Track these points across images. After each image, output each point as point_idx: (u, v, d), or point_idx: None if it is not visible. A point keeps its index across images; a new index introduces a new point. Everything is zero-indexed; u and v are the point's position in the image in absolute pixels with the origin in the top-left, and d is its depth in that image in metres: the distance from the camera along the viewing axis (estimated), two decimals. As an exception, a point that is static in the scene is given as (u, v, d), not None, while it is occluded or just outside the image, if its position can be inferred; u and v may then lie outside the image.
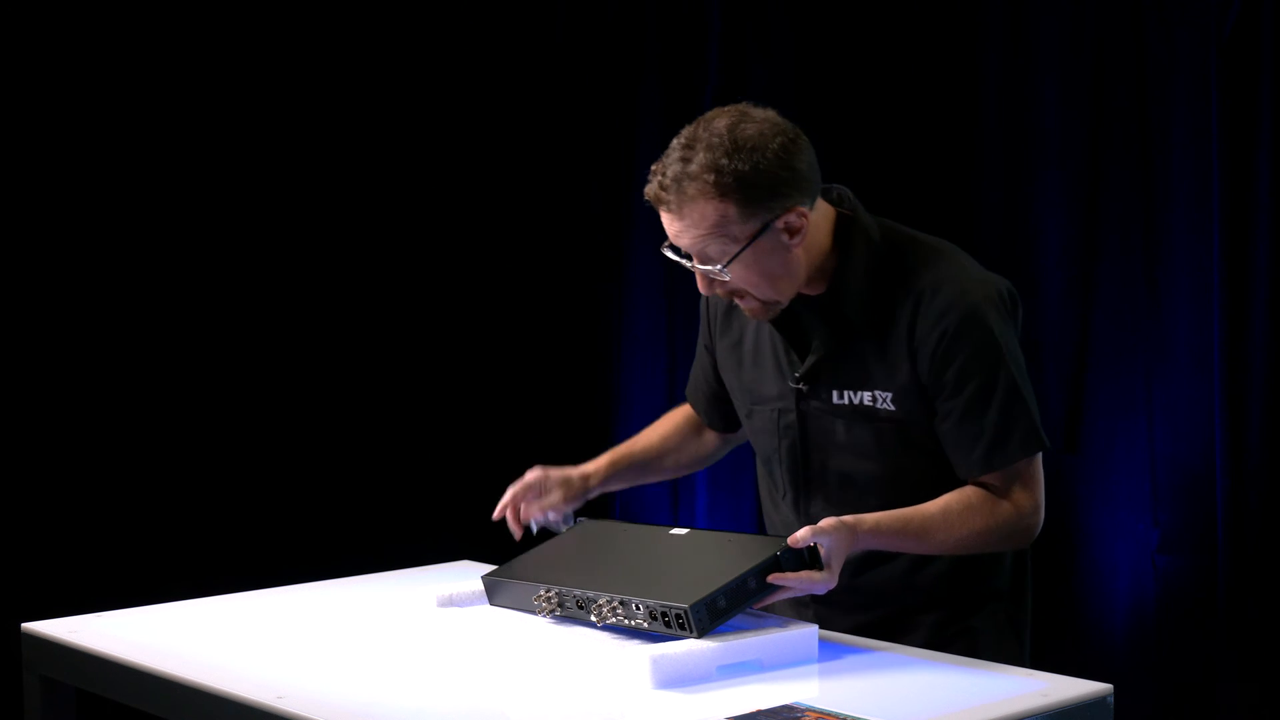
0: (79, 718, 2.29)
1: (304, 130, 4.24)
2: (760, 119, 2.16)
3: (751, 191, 2.12)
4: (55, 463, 3.87)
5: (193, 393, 4.08)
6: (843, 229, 2.26)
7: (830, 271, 2.25)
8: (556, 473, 2.46)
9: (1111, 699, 1.87)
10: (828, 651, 2.06)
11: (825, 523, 2.06)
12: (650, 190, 2.17)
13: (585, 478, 2.48)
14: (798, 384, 2.30)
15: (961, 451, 2.22)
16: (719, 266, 2.16)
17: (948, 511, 2.19)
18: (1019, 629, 2.37)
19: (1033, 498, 2.24)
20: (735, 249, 2.15)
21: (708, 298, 2.44)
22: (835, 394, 2.27)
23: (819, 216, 2.23)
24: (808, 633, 2.04)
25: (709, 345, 2.51)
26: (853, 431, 2.27)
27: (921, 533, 2.17)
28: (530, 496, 2.45)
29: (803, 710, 1.76)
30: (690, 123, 2.18)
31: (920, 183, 3.74)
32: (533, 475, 2.45)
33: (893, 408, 2.23)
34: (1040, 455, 2.25)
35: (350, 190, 4.34)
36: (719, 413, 2.57)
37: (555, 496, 2.45)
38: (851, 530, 2.09)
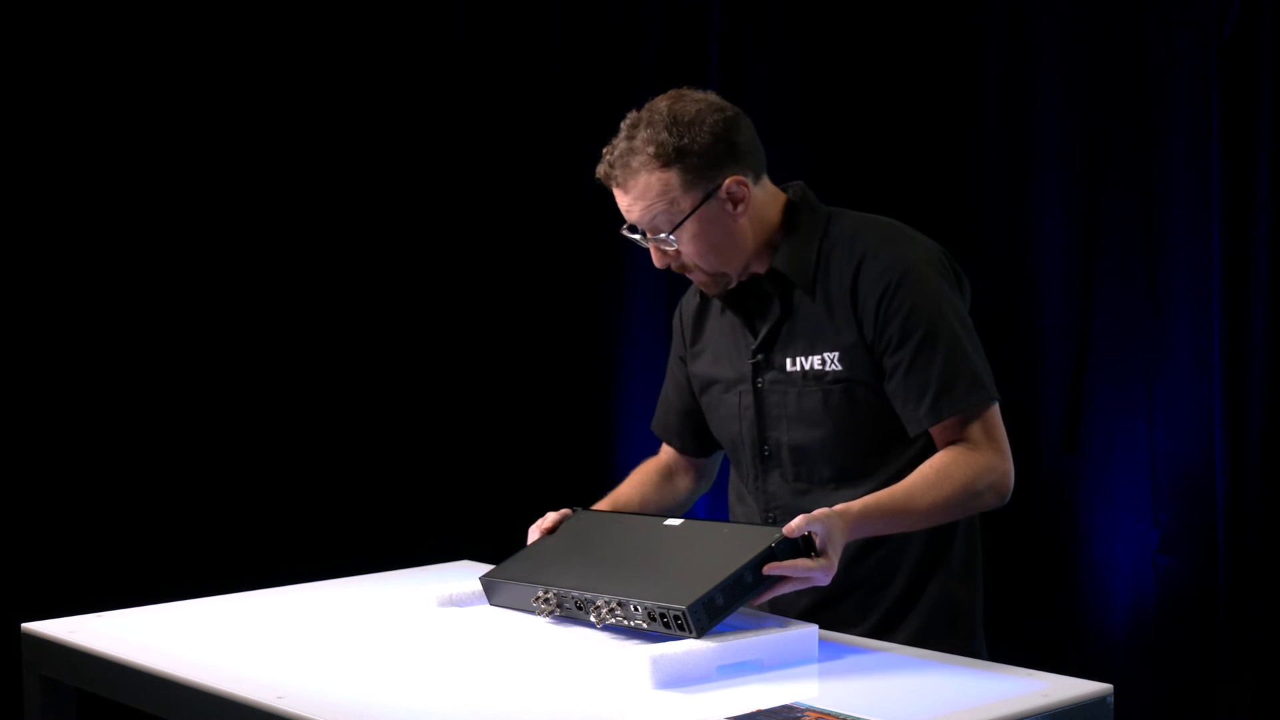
0: (79, 718, 2.29)
1: (305, 131, 4.24)
2: (699, 99, 2.33)
3: (691, 160, 2.27)
4: (55, 462, 3.87)
5: (193, 393, 4.08)
6: (791, 209, 2.40)
7: (778, 246, 2.38)
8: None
9: (1111, 699, 1.87)
10: (828, 651, 2.06)
11: (817, 512, 2.09)
12: (600, 169, 2.34)
13: None
14: (754, 356, 2.39)
15: (910, 404, 2.27)
16: (666, 235, 2.30)
17: (925, 476, 2.23)
18: (970, 610, 2.40)
19: (999, 446, 2.27)
20: (680, 218, 2.29)
21: (679, 311, 2.60)
22: (789, 361, 2.36)
23: (767, 196, 2.37)
24: (808, 633, 2.04)
25: (683, 355, 2.57)
26: (803, 399, 2.35)
27: (908, 501, 2.20)
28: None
29: (803, 710, 1.76)
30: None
31: (920, 183, 3.74)
32: (556, 515, 2.44)
33: (840, 367, 2.31)
34: (996, 408, 2.29)
35: (351, 192, 4.34)
36: (690, 432, 2.61)
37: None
38: (841, 517, 2.10)
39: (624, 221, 2.35)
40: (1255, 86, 3.26)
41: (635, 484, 2.64)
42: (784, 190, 2.41)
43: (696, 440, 2.61)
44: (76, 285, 3.91)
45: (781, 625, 2.07)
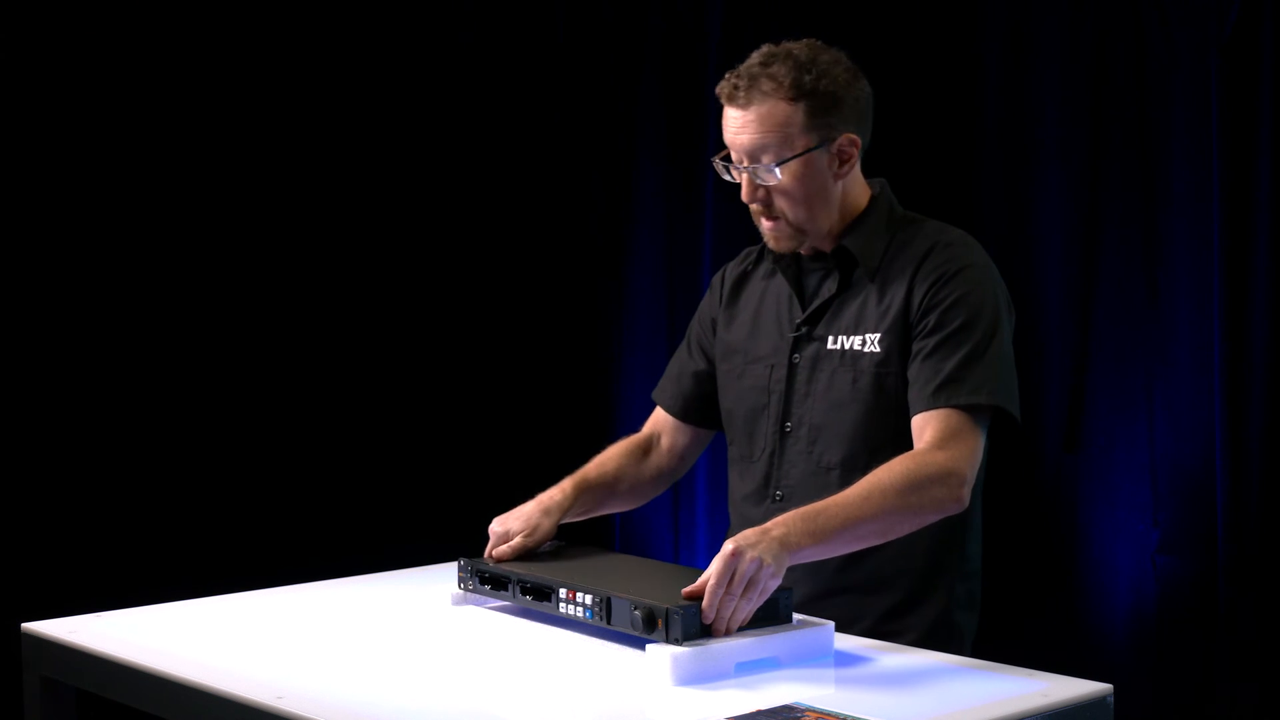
0: (79, 718, 2.29)
1: (304, 128, 4.24)
2: (837, 54, 2.39)
3: (818, 103, 2.32)
4: (55, 462, 3.87)
5: (193, 393, 4.08)
6: (873, 201, 2.44)
7: (850, 227, 2.41)
8: (517, 521, 2.40)
9: (1111, 699, 1.87)
10: (837, 651, 2.07)
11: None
12: (723, 87, 2.34)
13: (547, 511, 2.42)
14: (799, 329, 2.40)
15: (917, 385, 2.27)
16: (770, 165, 2.31)
17: (860, 481, 2.17)
18: (965, 637, 2.39)
19: (964, 461, 2.20)
20: (789, 155, 2.31)
21: (722, 272, 2.59)
22: (830, 339, 2.38)
23: (860, 178, 2.42)
24: (824, 630, 2.06)
25: (715, 317, 2.57)
26: (835, 378, 2.36)
27: (831, 501, 2.13)
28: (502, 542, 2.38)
29: (802, 710, 1.76)
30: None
31: (920, 183, 3.73)
32: (495, 529, 2.39)
33: (878, 350, 2.32)
34: (984, 433, 2.25)
35: (351, 189, 4.34)
36: (699, 397, 2.60)
37: (531, 538, 2.38)
38: (759, 529, 2.07)
39: (717, 152, 2.37)
40: (1255, 86, 3.26)
41: (610, 456, 2.59)
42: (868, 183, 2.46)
43: (701, 408, 2.60)
44: (76, 285, 3.91)
45: (798, 623, 2.07)
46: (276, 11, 4.19)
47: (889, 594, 2.33)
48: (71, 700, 2.26)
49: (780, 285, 2.47)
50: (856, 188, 2.42)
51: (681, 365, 2.63)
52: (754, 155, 2.33)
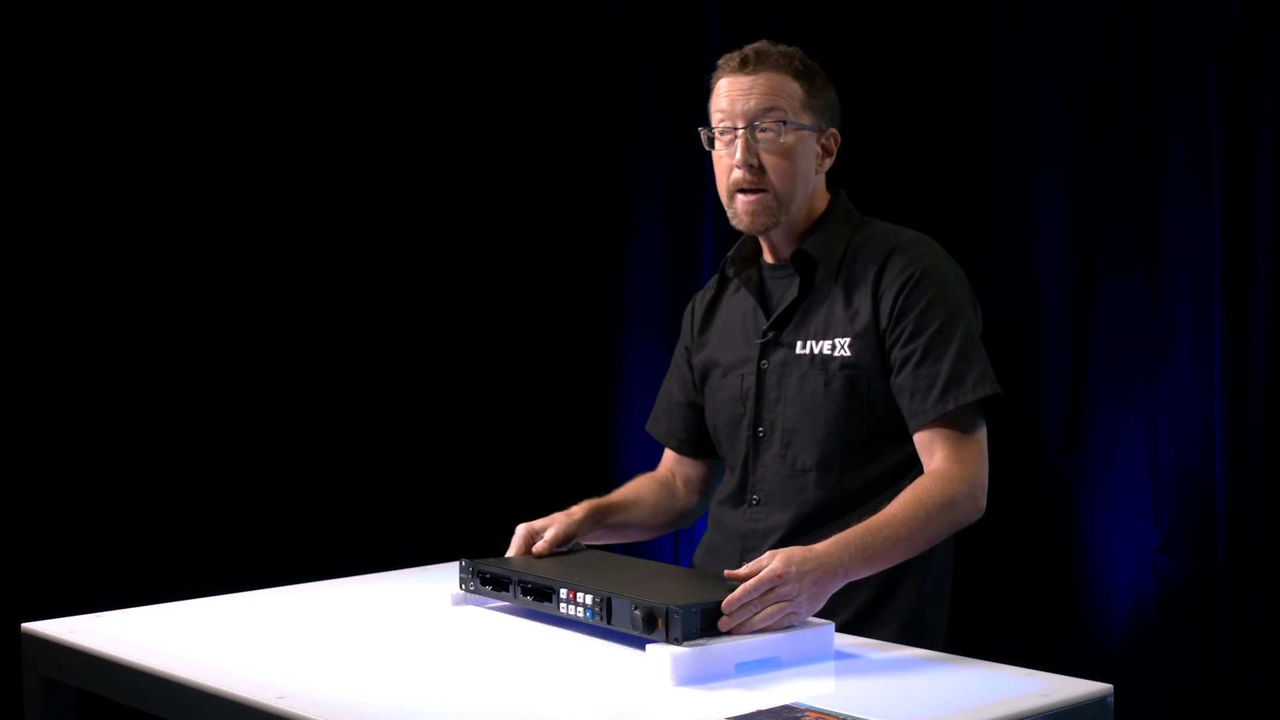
0: (79, 718, 2.29)
1: (304, 128, 4.24)
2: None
3: (817, 88, 2.44)
4: (55, 462, 3.87)
5: (193, 393, 4.08)
6: (831, 205, 2.49)
7: (810, 232, 2.46)
8: (542, 523, 2.44)
9: (1111, 699, 1.87)
10: (837, 651, 2.07)
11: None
12: (729, 59, 2.43)
13: (569, 513, 2.46)
14: (765, 335, 2.44)
15: (918, 397, 2.29)
16: (781, 123, 2.37)
17: (900, 499, 2.22)
18: (934, 634, 2.40)
19: (978, 462, 2.29)
20: (796, 122, 2.39)
21: (692, 303, 2.64)
22: (799, 344, 2.41)
23: (822, 186, 2.48)
24: (824, 630, 2.06)
25: (689, 345, 2.62)
26: (805, 382, 2.39)
27: (881, 521, 2.19)
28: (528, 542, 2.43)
29: (803, 710, 1.76)
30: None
31: (920, 183, 3.74)
32: (521, 532, 2.43)
33: (848, 353, 2.35)
34: (983, 430, 2.31)
35: (351, 189, 4.34)
36: (689, 429, 2.63)
37: (555, 535, 2.42)
38: (807, 549, 2.10)
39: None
40: (1255, 86, 3.26)
41: (630, 487, 2.64)
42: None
43: (695, 439, 2.63)
44: (76, 285, 3.91)
45: (799, 623, 2.07)
46: (276, 12, 4.18)
47: (861, 591, 2.34)
48: (71, 700, 2.27)
49: (745, 299, 2.52)
50: (819, 192, 2.48)
51: (668, 399, 2.69)
52: (759, 117, 2.38)
